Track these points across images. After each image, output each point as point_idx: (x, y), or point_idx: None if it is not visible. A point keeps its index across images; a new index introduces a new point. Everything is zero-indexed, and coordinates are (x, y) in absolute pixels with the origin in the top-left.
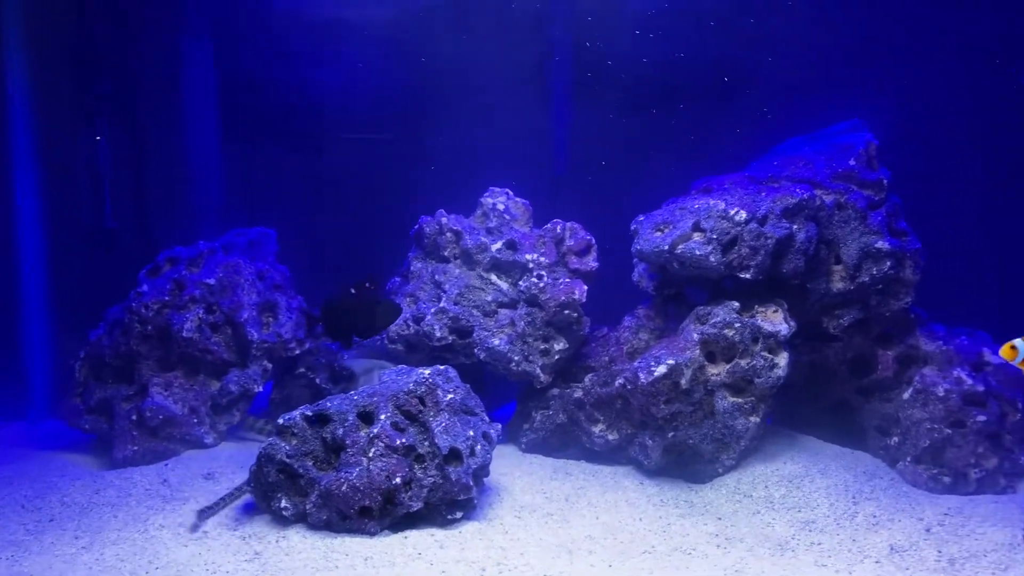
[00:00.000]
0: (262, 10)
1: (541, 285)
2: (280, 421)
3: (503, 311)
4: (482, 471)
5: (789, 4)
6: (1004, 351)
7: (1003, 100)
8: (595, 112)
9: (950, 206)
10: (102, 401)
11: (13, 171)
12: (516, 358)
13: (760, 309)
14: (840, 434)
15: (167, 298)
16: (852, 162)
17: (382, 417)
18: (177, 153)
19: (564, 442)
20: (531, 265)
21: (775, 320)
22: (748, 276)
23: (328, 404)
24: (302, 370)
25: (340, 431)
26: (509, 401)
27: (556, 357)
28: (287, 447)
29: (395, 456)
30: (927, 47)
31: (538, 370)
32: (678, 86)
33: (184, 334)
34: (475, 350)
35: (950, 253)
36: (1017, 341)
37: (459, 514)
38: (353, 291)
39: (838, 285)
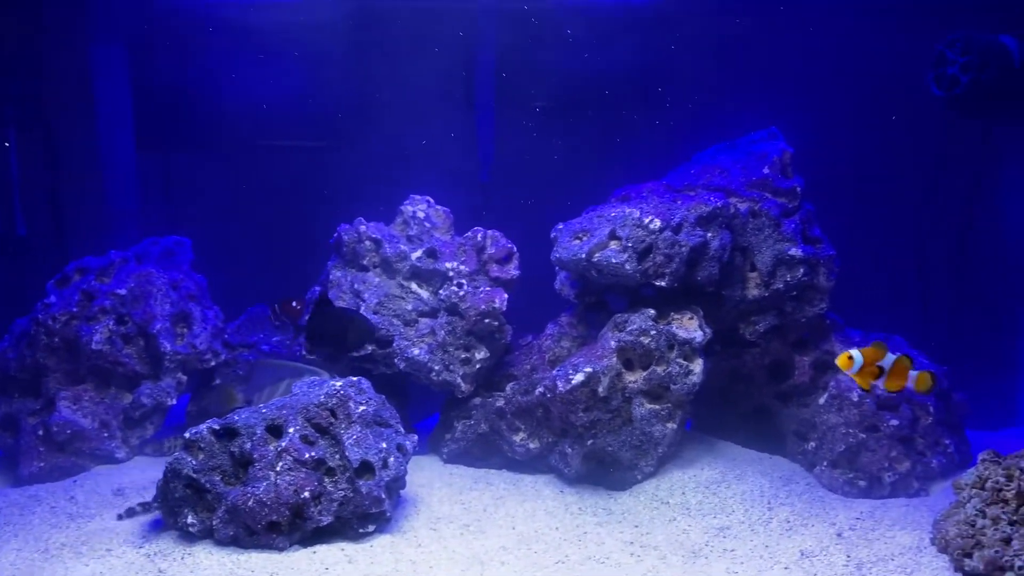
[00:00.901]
0: (179, 15)
1: (461, 294)
2: (187, 435)
3: (423, 320)
4: (396, 483)
5: (709, 14)
6: (841, 360)
7: (917, 105)
8: (520, 120)
9: (868, 212)
10: (7, 416)
11: None
12: (437, 368)
13: (676, 316)
14: (760, 439)
15: (75, 309)
16: (766, 170)
17: (291, 430)
18: (91, 160)
19: (486, 452)
20: (451, 274)
21: (690, 327)
22: (664, 284)
23: (236, 417)
24: (219, 382)
25: (248, 445)
26: (433, 412)
27: (477, 366)
28: (194, 462)
29: (304, 470)
30: (844, 54)
31: (459, 379)
32: (602, 95)
33: (94, 346)
34: (395, 360)
35: (870, 258)
36: (854, 352)
37: (371, 528)
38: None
39: (753, 292)
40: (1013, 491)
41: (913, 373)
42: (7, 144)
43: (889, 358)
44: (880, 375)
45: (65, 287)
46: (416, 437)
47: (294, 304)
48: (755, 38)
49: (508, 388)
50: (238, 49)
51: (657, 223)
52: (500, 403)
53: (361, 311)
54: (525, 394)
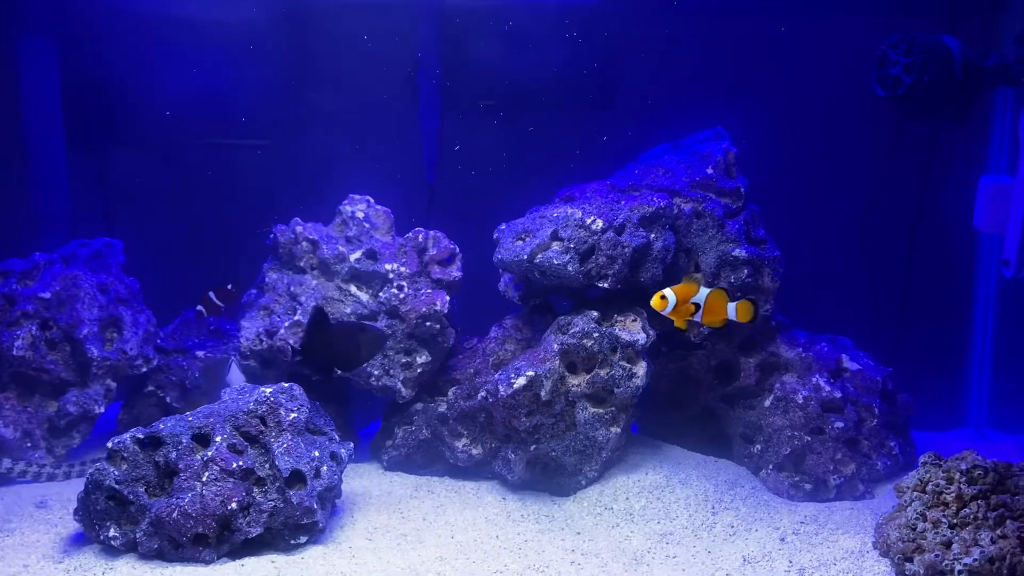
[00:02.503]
0: (113, 8)
1: (401, 296)
2: (109, 444)
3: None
4: (329, 493)
5: (656, 12)
6: (655, 302)
7: (862, 107)
8: (467, 120)
9: (815, 213)
10: None
11: None
12: (376, 372)
13: (619, 318)
14: (707, 442)
15: None
16: (710, 170)
17: (218, 439)
18: (17, 159)
19: (428, 458)
20: (391, 275)
21: (633, 329)
22: (606, 285)
23: (161, 426)
24: (151, 388)
25: (173, 454)
26: (377, 419)
27: (419, 371)
28: (116, 472)
29: (231, 480)
30: (790, 53)
31: (399, 384)
32: (549, 94)
33: (15, 352)
34: None
35: (817, 260)
36: (666, 290)
37: (303, 539)
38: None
39: None
40: (953, 494)
41: (731, 305)
42: None
43: (703, 292)
44: (696, 311)
45: None
46: (352, 445)
47: (229, 288)
48: (702, 37)
49: (451, 393)
50: (173, 45)
51: (599, 224)
52: (443, 408)
53: (297, 315)
54: (468, 399)
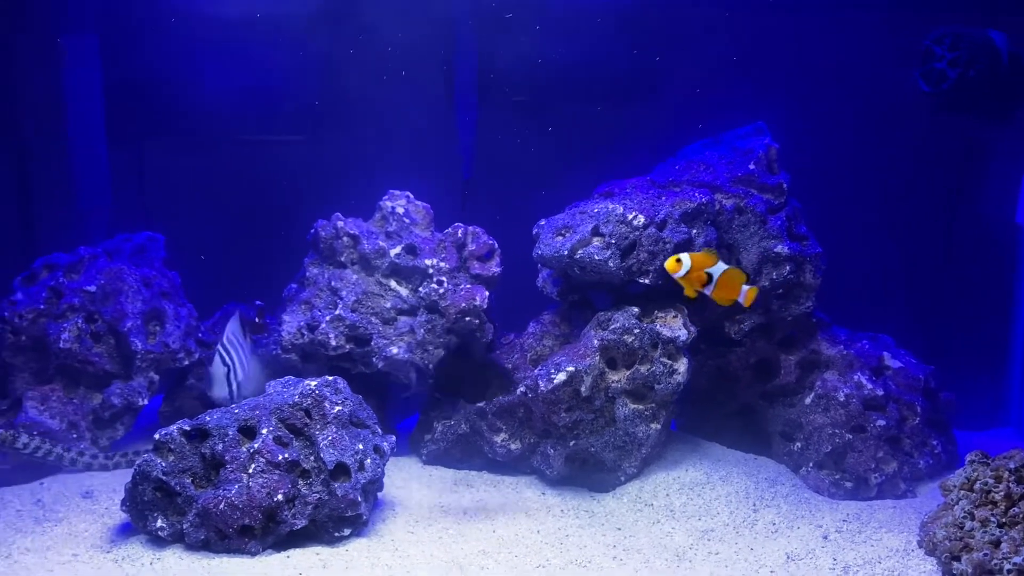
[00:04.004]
0: (154, 5)
1: (441, 291)
2: (156, 436)
3: (403, 318)
4: (373, 486)
5: (695, 7)
6: (669, 264)
7: (904, 102)
8: (503, 115)
9: (855, 209)
10: None
11: None
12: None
13: (660, 314)
14: (745, 440)
15: (43, 307)
16: (752, 166)
17: (264, 431)
18: (62, 154)
19: (466, 453)
20: (431, 271)
21: (674, 325)
22: (647, 281)
23: (208, 418)
24: (193, 381)
25: (220, 446)
26: (414, 412)
27: None
28: (163, 464)
29: (277, 472)
30: (830, 49)
31: None
32: (586, 89)
33: (62, 345)
34: (373, 359)
35: (858, 256)
36: (683, 255)
37: (347, 531)
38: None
39: None
40: (1002, 493)
41: (745, 287)
42: None
43: (720, 266)
44: (708, 283)
45: (32, 284)
46: (394, 438)
47: (256, 321)
48: (741, 32)
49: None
50: (215, 41)
51: (641, 219)
52: (481, 403)
53: (338, 309)
54: (507, 394)
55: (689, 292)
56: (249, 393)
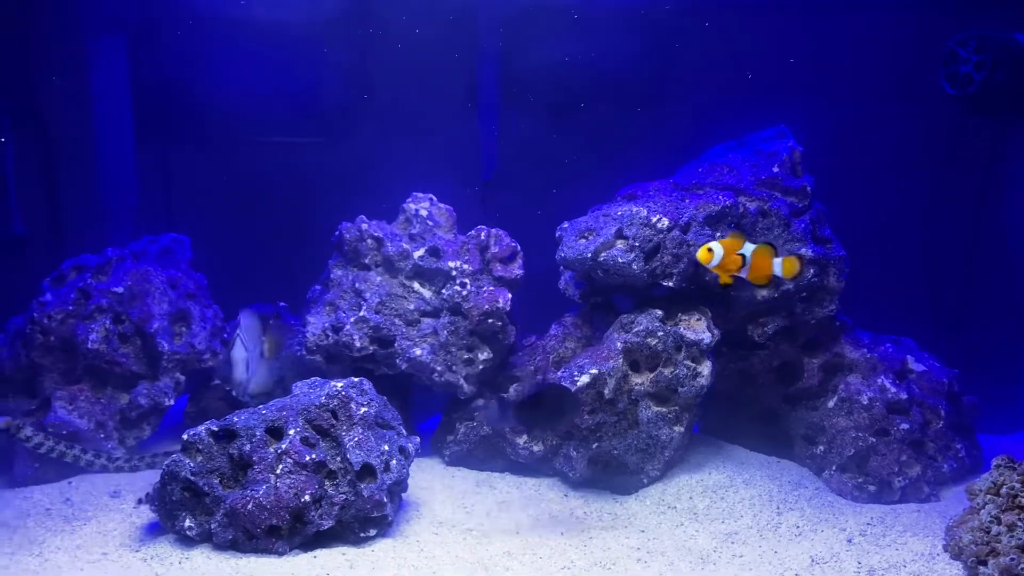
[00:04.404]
0: (179, 8)
1: (464, 293)
2: (185, 437)
3: (426, 320)
4: (398, 486)
5: (715, 10)
6: (701, 254)
7: (928, 104)
8: (524, 118)
9: (879, 212)
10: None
11: None
12: (439, 368)
13: (683, 317)
14: (768, 442)
15: (71, 308)
16: (776, 169)
17: (291, 432)
18: (88, 154)
19: (489, 454)
20: (454, 273)
21: (698, 328)
22: (671, 284)
23: (235, 419)
24: (218, 382)
25: (247, 447)
26: (435, 414)
27: (480, 367)
28: (191, 464)
29: (304, 473)
30: (853, 51)
31: (462, 380)
32: (607, 92)
33: (90, 345)
34: (397, 360)
35: (880, 260)
36: (713, 243)
37: (373, 532)
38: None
39: (762, 293)
40: None
41: (778, 260)
42: (3, 139)
43: (749, 247)
44: (743, 266)
45: (61, 285)
46: (418, 439)
47: (275, 317)
48: (762, 34)
49: (512, 389)
50: (238, 43)
51: (665, 222)
52: None
53: (362, 311)
54: None
55: (725, 279)
56: (262, 383)
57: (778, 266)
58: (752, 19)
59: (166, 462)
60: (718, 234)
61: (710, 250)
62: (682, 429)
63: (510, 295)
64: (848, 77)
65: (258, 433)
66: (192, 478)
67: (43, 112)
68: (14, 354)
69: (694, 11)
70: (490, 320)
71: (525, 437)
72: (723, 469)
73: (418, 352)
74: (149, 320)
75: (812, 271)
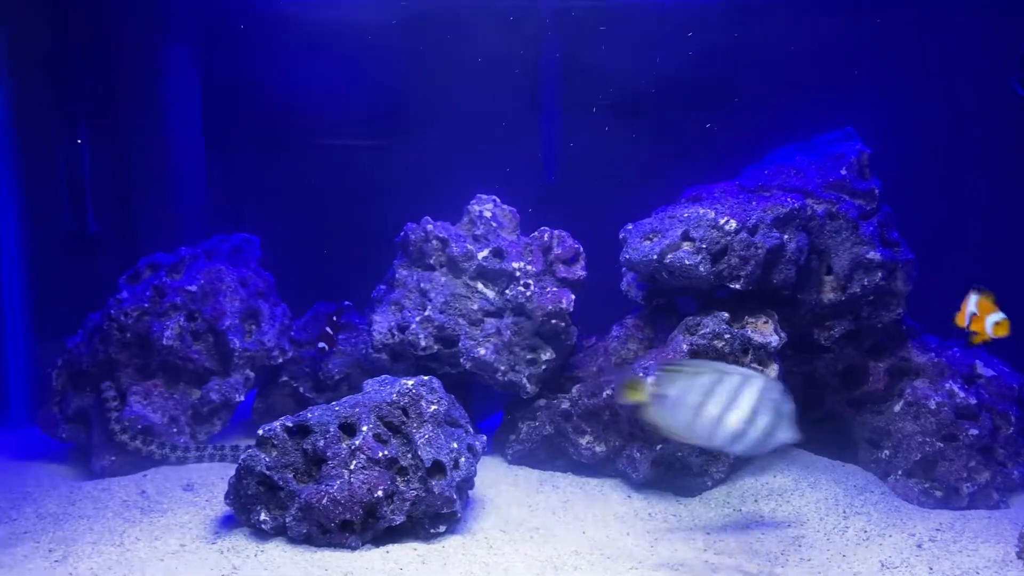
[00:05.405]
0: (248, 12)
1: (528, 294)
2: (260, 432)
3: (489, 320)
4: (466, 484)
5: (781, 10)
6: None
7: (998, 107)
8: (585, 119)
9: (946, 215)
10: (80, 410)
11: None
12: (502, 368)
13: (750, 320)
14: (831, 446)
15: (147, 305)
16: (843, 171)
17: (364, 429)
18: (160, 156)
19: (551, 454)
20: (518, 273)
21: (765, 331)
22: (738, 286)
23: (309, 415)
24: (285, 379)
25: (321, 443)
26: (495, 412)
27: (543, 367)
28: (267, 459)
29: (377, 469)
30: (921, 53)
31: (524, 380)
32: (669, 93)
33: (164, 342)
34: (461, 359)
35: (948, 263)
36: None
37: (442, 528)
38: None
39: (829, 296)
40: None
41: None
42: (79, 141)
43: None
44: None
45: (136, 283)
46: (485, 438)
47: (335, 319)
48: (828, 34)
49: (574, 390)
50: (304, 48)
51: (733, 224)
52: (566, 405)
53: (427, 310)
54: (592, 396)
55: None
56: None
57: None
58: (817, 19)
59: (242, 456)
60: (786, 236)
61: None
62: None
63: (573, 296)
64: (917, 78)
65: (332, 429)
66: (268, 472)
67: (117, 116)
68: (91, 349)
69: (760, 9)
70: (553, 321)
71: (588, 437)
72: (788, 472)
73: (482, 352)
74: (221, 318)
75: (880, 275)
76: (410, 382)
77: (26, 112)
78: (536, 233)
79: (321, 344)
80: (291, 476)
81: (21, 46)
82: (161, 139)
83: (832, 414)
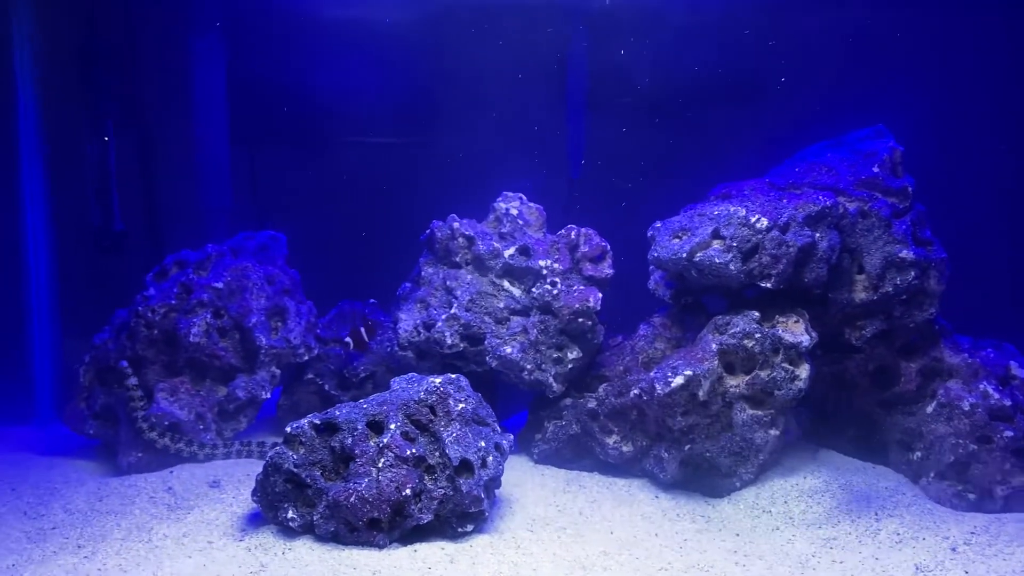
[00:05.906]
0: (275, 9)
1: (555, 292)
2: (288, 429)
3: (515, 318)
4: (494, 483)
5: (810, 8)
6: None
7: None
8: (611, 116)
9: (978, 214)
10: (107, 406)
11: (20, 172)
12: (528, 366)
13: (781, 319)
14: (862, 448)
15: (174, 302)
16: (876, 169)
17: (392, 427)
18: (186, 154)
19: (577, 453)
20: (544, 272)
21: (796, 331)
22: (769, 285)
23: (337, 412)
24: (311, 376)
25: (349, 440)
26: (520, 410)
27: (569, 366)
28: (294, 456)
29: (405, 467)
30: (952, 50)
31: (551, 379)
32: (696, 90)
33: (191, 339)
34: (487, 358)
35: (977, 262)
36: None
37: (470, 527)
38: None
39: (861, 295)
40: None
41: None
42: (106, 139)
43: None
44: None
45: (163, 280)
46: (512, 436)
47: (362, 330)
48: (859, 30)
49: (601, 389)
50: (330, 45)
51: (764, 222)
52: (592, 404)
53: (453, 308)
54: (619, 396)
55: None
56: None
57: None
58: (848, 15)
59: (270, 453)
60: (818, 234)
61: None
62: (777, 432)
63: (600, 294)
64: (950, 76)
65: (359, 427)
66: (295, 470)
67: (143, 114)
68: (119, 346)
69: (789, 6)
70: (580, 319)
71: (615, 437)
72: (818, 474)
73: (508, 350)
74: (247, 315)
75: (913, 274)
76: (438, 380)
77: (53, 110)
78: (563, 231)
79: (347, 339)
80: (319, 473)
81: (48, 44)
82: (188, 136)
83: (863, 415)
